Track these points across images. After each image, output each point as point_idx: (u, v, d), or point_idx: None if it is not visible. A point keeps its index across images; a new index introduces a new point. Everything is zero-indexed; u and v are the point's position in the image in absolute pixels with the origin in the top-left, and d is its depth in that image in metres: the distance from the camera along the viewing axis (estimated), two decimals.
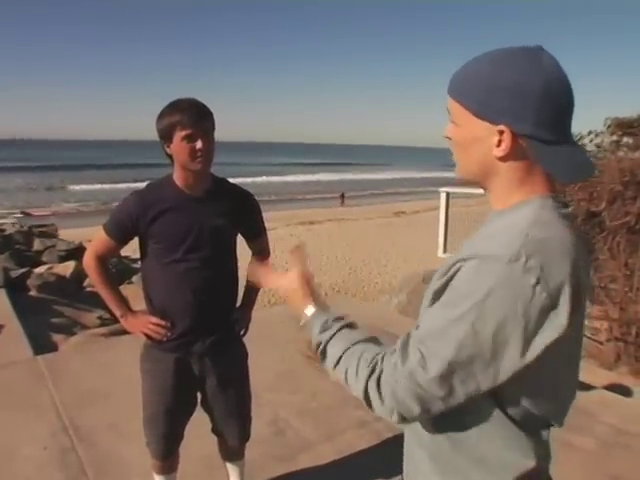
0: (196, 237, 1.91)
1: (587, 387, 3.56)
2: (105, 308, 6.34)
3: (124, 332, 5.01)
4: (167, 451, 2.13)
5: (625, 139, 5.76)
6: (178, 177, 1.92)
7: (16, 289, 6.22)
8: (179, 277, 1.92)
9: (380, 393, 0.89)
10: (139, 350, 2.11)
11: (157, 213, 1.89)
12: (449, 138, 0.99)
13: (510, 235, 0.85)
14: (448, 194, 9.41)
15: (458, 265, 0.86)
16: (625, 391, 3.84)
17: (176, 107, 1.82)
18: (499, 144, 0.88)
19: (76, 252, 9.56)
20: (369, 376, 0.91)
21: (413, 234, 15.73)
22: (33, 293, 6.41)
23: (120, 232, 1.95)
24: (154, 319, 1.97)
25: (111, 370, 3.83)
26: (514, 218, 0.89)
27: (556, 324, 0.81)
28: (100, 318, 5.93)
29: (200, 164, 1.83)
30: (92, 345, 4.61)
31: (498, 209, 0.96)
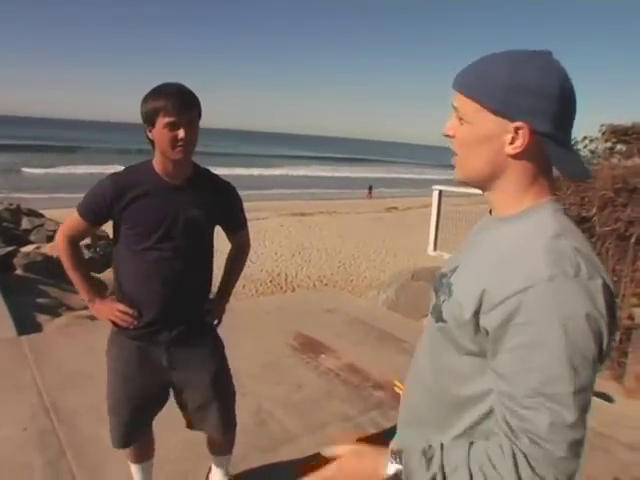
0: (170, 226, 1.86)
1: None
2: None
3: None
4: (124, 440, 2.07)
5: (619, 146, 5.81)
6: (157, 163, 1.87)
7: (2, 268, 6.15)
8: (149, 265, 1.88)
9: (538, 475, 0.80)
10: None
11: (132, 198, 1.84)
12: (451, 136, 0.97)
13: (547, 247, 0.84)
14: (441, 192, 9.43)
15: (517, 298, 0.81)
16: (606, 396, 3.88)
17: (162, 92, 1.75)
18: (512, 141, 0.88)
19: None
20: (516, 466, 0.81)
21: (404, 230, 15.75)
22: (19, 272, 6.34)
23: (93, 214, 1.90)
24: (121, 306, 1.93)
25: (95, 353, 3.76)
26: (535, 225, 0.89)
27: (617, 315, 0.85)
28: None
29: (180, 153, 1.78)
30: (77, 327, 4.57)
31: (506, 214, 0.94)
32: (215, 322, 2.14)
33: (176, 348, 1.97)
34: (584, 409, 0.81)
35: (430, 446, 0.88)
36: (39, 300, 5.45)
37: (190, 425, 2.15)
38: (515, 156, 0.90)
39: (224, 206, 2.01)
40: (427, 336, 1.06)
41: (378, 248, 13.72)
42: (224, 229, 2.11)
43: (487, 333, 0.86)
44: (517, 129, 0.87)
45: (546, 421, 0.80)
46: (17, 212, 10.81)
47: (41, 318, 4.85)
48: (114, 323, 1.97)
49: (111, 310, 1.95)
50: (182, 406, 2.10)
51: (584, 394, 0.81)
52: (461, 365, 0.94)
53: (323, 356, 4.04)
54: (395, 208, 22.99)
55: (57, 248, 2.00)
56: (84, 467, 2.57)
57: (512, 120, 0.88)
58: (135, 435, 2.09)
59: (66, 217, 2.02)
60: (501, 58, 0.91)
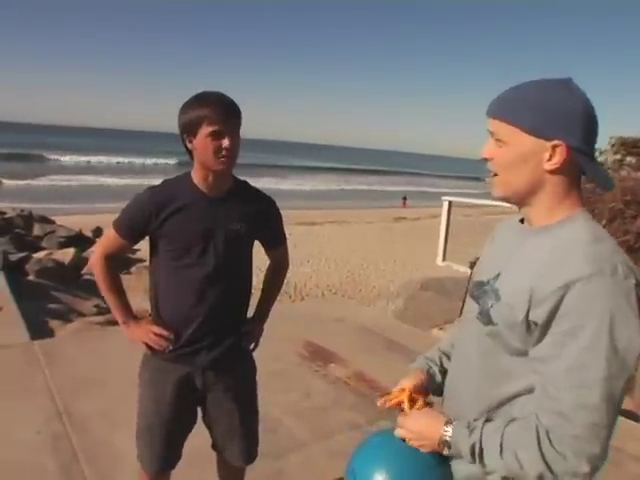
0: (210, 241, 1.78)
1: None
2: (102, 297, 6.37)
3: None
4: (161, 468, 1.98)
5: (628, 158, 5.81)
6: (197, 175, 1.78)
7: (15, 273, 6.24)
8: (188, 282, 1.80)
9: (557, 452, 0.90)
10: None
11: (170, 212, 1.76)
12: (488, 159, 1.06)
13: (587, 249, 0.93)
14: (450, 203, 9.46)
15: (560, 294, 0.91)
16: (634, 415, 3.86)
17: (205, 100, 1.68)
18: (550, 158, 0.98)
19: (76, 239, 9.59)
20: (538, 440, 0.91)
21: (412, 240, 15.72)
22: (32, 278, 6.44)
23: (130, 231, 1.83)
24: (156, 329, 1.84)
25: (106, 358, 3.84)
26: (572, 232, 0.98)
27: None
28: (97, 306, 5.96)
29: (223, 164, 1.71)
30: (88, 333, 4.64)
31: (542, 224, 1.03)
32: (252, 346, 2.04)
33: (212, 371, 1.89)
34: (611, 397, 0.89)
35: (475, 419, 1.03)
36: (51, 305, 5.53)
37: (215, 447, 2.10)
38: (553, 171, 0.99)
39: (264, 220, 1.93)
40: (472, 341, 1.11)
41: (387, 258, 13.69)
42: (263, 244, 2.03)
43: (536, 326, 0.95)
44: (555, 146, 0.97)
45: (570, 400, 0.89)
46: (29, 218, 10.94)
47: (53, 323, 4.92)
48: (148, 346, 1.88)
49: (146, 333, 1.85)
50: (208, 427, 2.04)
51: (614, 381, 0.89)
52: (510, 365, 1.01)
53: (332, 365, 4.06)
54: (404, 218, 22.95)
55: (92, 266, 1.92)
56: (96, 472, 2.60)
57: (549, 139, 0.97)
58: (169, 463, 2.00)
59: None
60: (529, 85, 1.02)
